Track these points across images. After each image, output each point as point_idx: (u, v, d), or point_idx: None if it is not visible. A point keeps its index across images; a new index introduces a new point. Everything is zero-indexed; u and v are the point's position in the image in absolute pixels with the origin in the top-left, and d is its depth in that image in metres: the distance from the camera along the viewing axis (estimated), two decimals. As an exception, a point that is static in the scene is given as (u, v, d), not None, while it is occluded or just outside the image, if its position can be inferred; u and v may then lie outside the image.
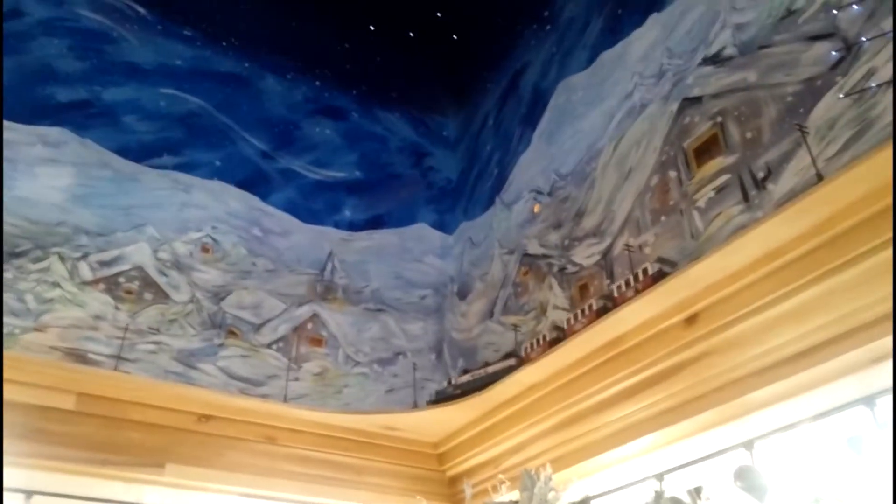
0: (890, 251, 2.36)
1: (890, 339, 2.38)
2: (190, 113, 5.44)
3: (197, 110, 5.48)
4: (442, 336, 5.22)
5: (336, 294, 5.06)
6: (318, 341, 4.78)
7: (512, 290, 4.61)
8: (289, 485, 4.30)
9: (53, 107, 4.88)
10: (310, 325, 4.81)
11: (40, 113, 4.79)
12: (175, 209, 4.87)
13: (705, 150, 3.40)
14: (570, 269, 4.07)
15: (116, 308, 4.20)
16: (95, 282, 4.22)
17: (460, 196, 6.24)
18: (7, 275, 3.96)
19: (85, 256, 4.27)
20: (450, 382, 4.55)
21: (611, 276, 3.70)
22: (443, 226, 6.09)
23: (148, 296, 4.35)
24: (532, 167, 5.11)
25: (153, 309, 4.32)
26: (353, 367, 4.80)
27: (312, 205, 5.61)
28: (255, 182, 5.43)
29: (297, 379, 4.53)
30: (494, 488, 3.35)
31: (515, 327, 4.32)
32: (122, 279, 4.32)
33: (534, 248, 4.54)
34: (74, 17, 5.30)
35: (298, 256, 5.18)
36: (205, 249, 4.78)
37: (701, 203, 3.27)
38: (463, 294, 5.25)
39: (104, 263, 4.30)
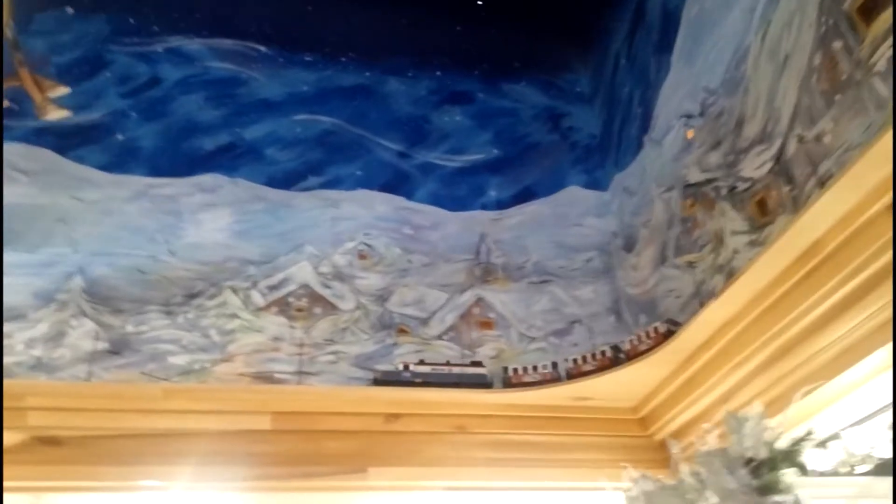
0: None
1: None
2: (325, 132, 5.58)
3: (330, 128, 5.61)
4: (617, 295, 4.87)
5: (496, 274, 4.91)
6: (487, 324, 4.65)
7: (681, 228, 4.18)
8: (489, 472, 4.19)
9: (203, 156, 5.22)
10: (476, 310, 4.69)
11: (193, 165, 5.14)
12: (328, 225, 4.99)
13: (871, 6, 2.84)
14: (741, 186, 3.59)
15: (291, 327, 4.35)
16: (268, 306, 4.40)
17: (608, 149, 5.85)
18: (189, 315, 4.24)
19: (255, 285, 4.48)
20: (406, 367, 4.26)
21: (790, 182, 3.20)
22: (596, 183, 5.74)
23: (317, 310, 4.47)
24: (677, 93, 4.64)
25: (325, 321, 4.43)
26: (529, 344, 4.60)
27: (457, 192, 5.52)
28: (397, 183, 5.45)
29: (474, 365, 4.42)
30: (700, 440, 2.99)
31: (691, 264, 3.90)
32: (291, 299, 4.47)
33: (694, 175, 4.08)
34: (204, 70, 5.66)
35: (452, 245, 5.09)
36: (361, 256, 4.84)
37: (880, 66, 2.71)
38: (629, 247, 4.88)
39: (273, 287, 4.48)
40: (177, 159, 5.14)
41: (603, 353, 4.16)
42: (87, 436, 3.80)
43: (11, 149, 4.81)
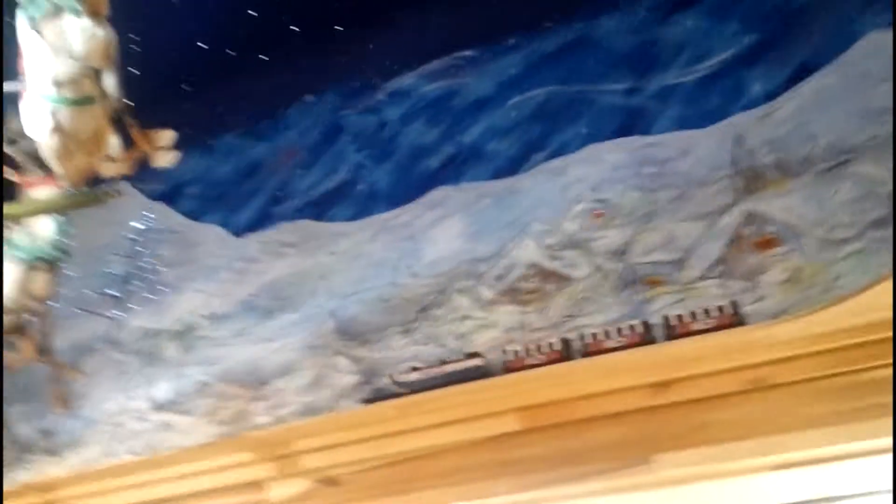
0: None
1: None
2: (540, 105, 5.08)
3: (545, 98, 5.09)
4: (968, 143, 3.24)
5: (765, 178, 3.69)
6: (768, 242, 3.47)
7: None
8: (818, 435, 2.96)
9: (430, 176, 5.16)
10: (747, 230, 3.55)
11: (422, 186, 5.10)
12: (556, 195, 4.42)
13: None
14: None
15: (524, 313, 3.84)
16: (497, 298, 3.98)
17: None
18: (424, 328, 4.05)
19: (480, 280, 4.11)
20: (393, 380, 3.77)
21: None
22: (908, 16, 4.07)
23: (550, 287, 3.88)
24: None
25: (559, 297, 3.81)
26: (839, 249, 3.28)
27: (706, 105, 4.44)
28: (630, 123, 4.63)
29: (760, 299, 3.29)
30: None
31: None
32: (520, 283, 3.98)
33: None
34: (420, 97, 5.67)
35: (709, 166, 4.04)
36: (595, 215, 4.13)
37: None
38: (958, 65, 3.24)
39: (499, 277, 4.06)
40: (408, 187, 5.16)
41: None
42: (358, 470, 3.75)
43: (279, 229, 5.42)
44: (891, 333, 2.93)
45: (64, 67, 2.79)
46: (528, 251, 4.05)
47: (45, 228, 3.46)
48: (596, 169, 4.37)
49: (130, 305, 5.54)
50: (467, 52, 5.67)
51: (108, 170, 2.99)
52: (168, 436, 4.37)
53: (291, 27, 6.28)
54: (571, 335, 3.57)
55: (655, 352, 3.28)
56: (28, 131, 2.93)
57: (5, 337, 3.59)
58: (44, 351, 3.68)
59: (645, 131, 4.49)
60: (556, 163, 4.59)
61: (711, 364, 3.24)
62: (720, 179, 3.84)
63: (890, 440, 2.73)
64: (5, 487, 4.10)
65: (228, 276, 5.31)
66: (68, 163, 3.00)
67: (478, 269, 4.20)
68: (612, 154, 4.39)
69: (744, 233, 3.52)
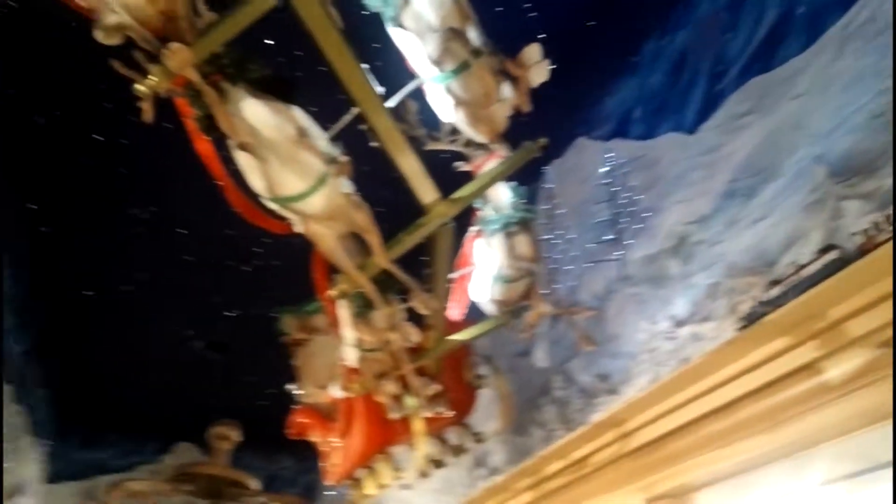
0: None
1: None
2: None
3: None
4: None
5: None
6: None
7: None
8: None
9: None
10: None
11: None
12: None
13: None
14: None
15: None
16: None
17: None
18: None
19: None
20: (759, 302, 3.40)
21: None
22: None
23: None
24: None
25: None
26: None
27: None
28: None
29: None
30: None
31: None
32: None
33: None
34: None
35: None
36: None
37: None
38: None
39: None
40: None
41: None
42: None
43: (729, 103, 4.80)
44: None
45: (433, 44, 2.98)
46: None
47: (503, 196, 3.74)
48: None
49: (626, 241, 5.62)
50: None
51: (506, 111, 3.06)
52: (699, 345, 4.19)
53: None
54: None
55: None
56: (442, 118, 3.19)
57: (520, 303, 3.98)
58: (551, 303, 3.96)
59: None
60: None
61: None
62: None
63: None
64: (584, 430, 4.51)
65: (699, 175, 4.93)
66: (483, 126, 3.17)
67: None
68: None
69: None
